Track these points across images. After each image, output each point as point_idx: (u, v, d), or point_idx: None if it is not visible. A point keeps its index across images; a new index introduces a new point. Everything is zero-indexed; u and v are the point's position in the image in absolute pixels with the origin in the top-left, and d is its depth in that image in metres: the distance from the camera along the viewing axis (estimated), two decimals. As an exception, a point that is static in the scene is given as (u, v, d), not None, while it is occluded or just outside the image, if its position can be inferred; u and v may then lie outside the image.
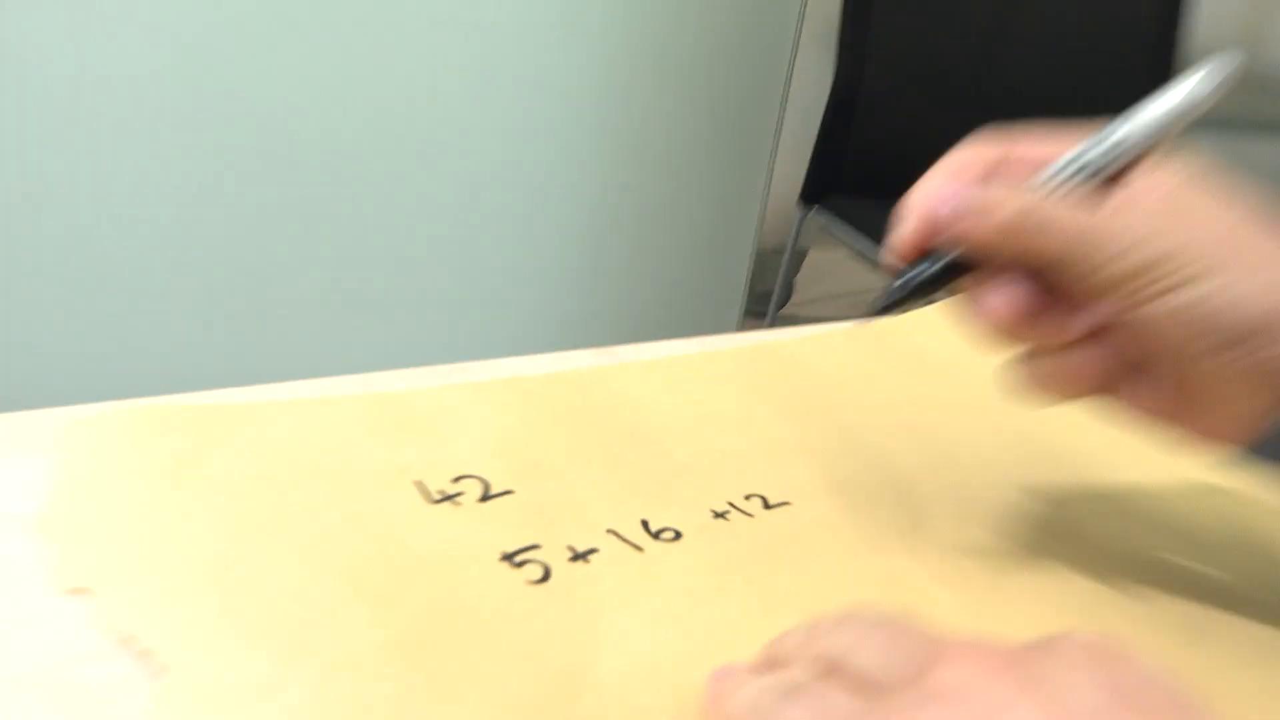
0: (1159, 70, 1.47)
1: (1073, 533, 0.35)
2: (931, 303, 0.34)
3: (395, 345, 1.00)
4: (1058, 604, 0.31)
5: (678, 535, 0.32)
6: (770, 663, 0.25)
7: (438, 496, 0.32)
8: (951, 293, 0.31)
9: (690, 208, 1.17)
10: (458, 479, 0.32)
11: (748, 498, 0.34)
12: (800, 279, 2.00)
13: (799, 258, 1.96)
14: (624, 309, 1.14)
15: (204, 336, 0.93)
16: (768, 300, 1.83)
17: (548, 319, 1.08)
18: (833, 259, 2.02)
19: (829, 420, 0.39)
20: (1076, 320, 0.29)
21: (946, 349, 0.47)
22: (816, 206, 1.52)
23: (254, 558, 0.28)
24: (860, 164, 1.48)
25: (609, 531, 0.31)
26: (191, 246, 0.89)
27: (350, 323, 0.98)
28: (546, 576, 0.29)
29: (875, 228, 1.40)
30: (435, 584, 0.28)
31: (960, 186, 0.30)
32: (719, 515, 0.33)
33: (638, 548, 0.31)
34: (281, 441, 0.33)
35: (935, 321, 0.49)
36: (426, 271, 1.01)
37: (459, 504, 0.31)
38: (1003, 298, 0.29)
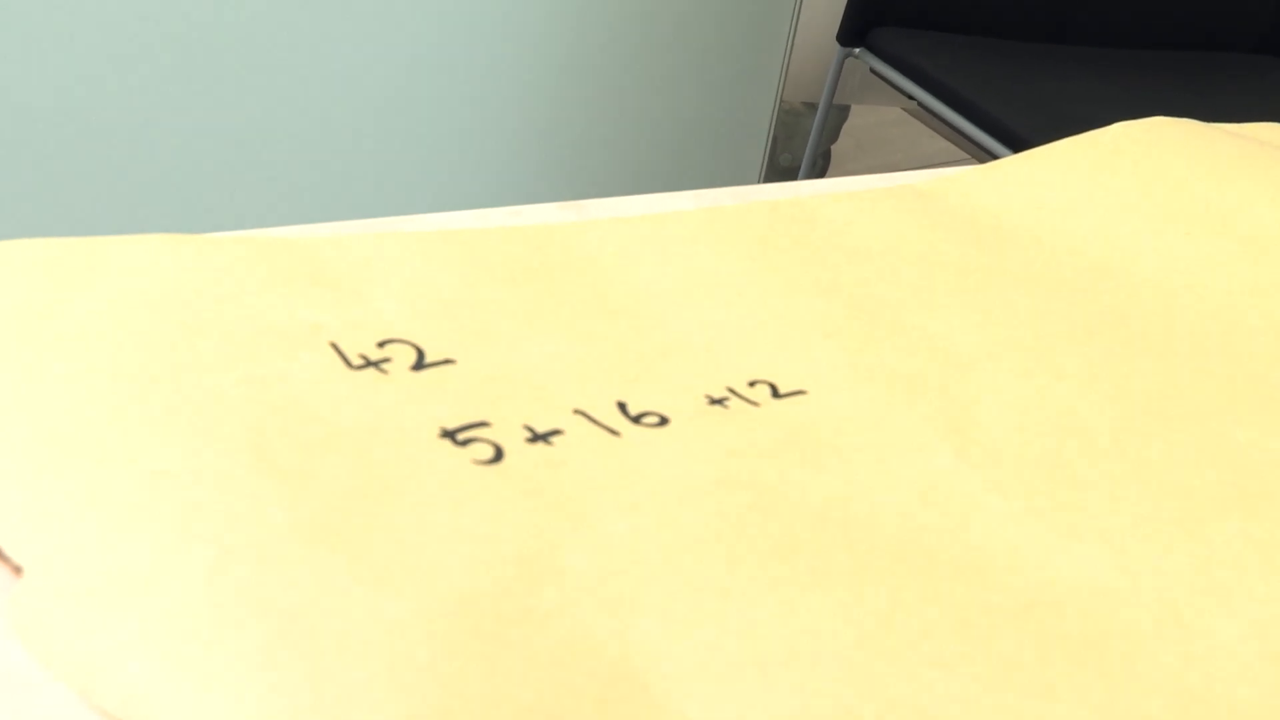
0: None
1: (1171, 434, 0.37)
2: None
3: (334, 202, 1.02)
4: (1143, 522, 0.33)
5: (663, 421, 0.34)
6: None
7: (359, 362, 0.33)
8: None
9: (694, 46, 1.18)
10: (384, 343, 0.34)
11: (752, 384, 0.36)
12: (839, 148, 2.02)
13: (838, 117, 1.97)
14: (610, 174, 1.16)
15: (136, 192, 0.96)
16: (794, 176, 1.85)
17: (515, 179, 1.09)
18: (881, 119, 2.03)
19: (859, 294, 0.41)
20: None
21: (1014, 212, 0.49)
22: (860, 48, 1.53)
23: (124, 426, 0.30)
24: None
25: (576, 412, 0.33)
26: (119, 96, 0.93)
27: (276, 175, 1.00)
28: (499, 457, 0.31)
29: (939, 73, 1.41)
30: (358, 459, 0.30)
31: None
32: (715, 402, 0.35)
33: (613, 431, 0.33)
34: (154, 287, 0.35)
35: (999, 179, 0.51)
36: (381, 118, 1.02)
37: (385, 372, 0.33)
38: None
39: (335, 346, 0.34)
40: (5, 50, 0.92)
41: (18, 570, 0.26)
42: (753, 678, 0.26)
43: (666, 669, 0.26)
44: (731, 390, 0.36)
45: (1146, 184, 0.51)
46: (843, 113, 2.01)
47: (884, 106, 2.01)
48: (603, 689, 0.25)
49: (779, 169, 1.89)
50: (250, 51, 0.98)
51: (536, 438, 0.32)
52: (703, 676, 0.26)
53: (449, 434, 0.32)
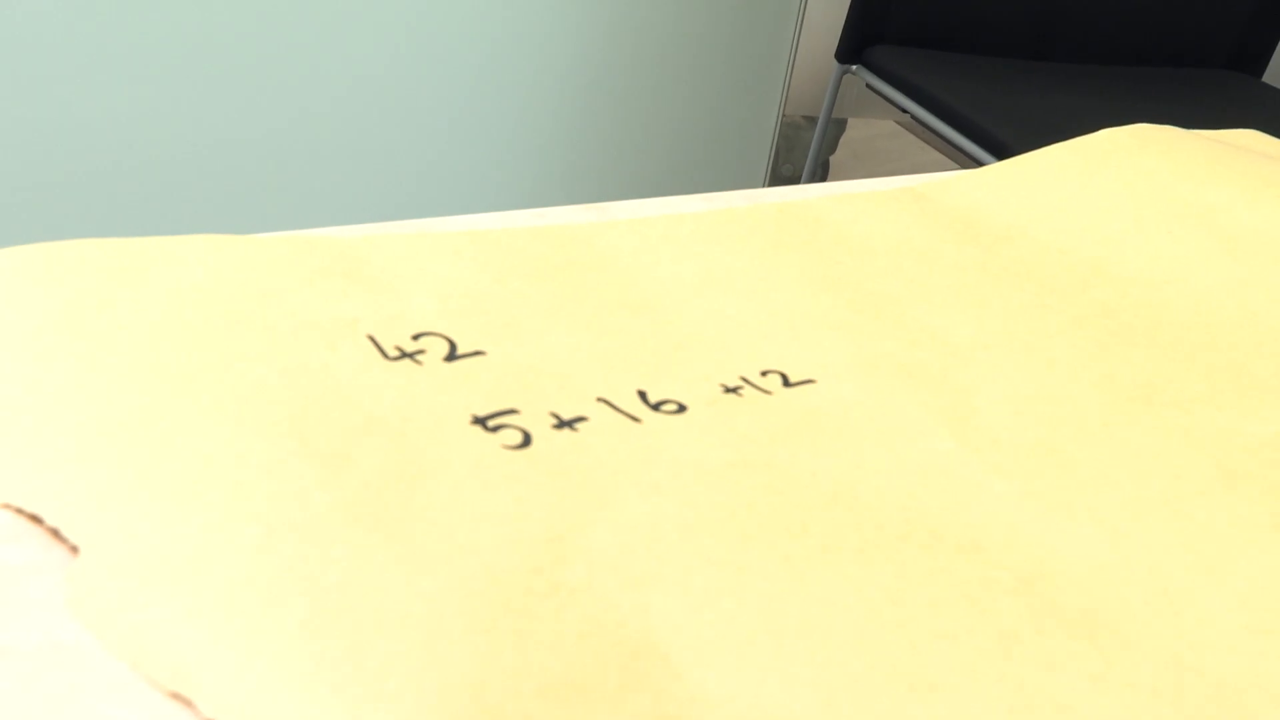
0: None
1: (1157, 419, 0.37)
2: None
3: (361, 205, 1.03)
4: (1133, 502, 0.33)
5: (681, 408, 0.34)
6: None
7: (395, 354, 0.34)
8: None
9: (703, 64, 1.19)
10: (418, 336, 0.35)
11: (764, 373, 0.36)
12: (837, 159, 2.02)
13: (836, 130, 1.97)
14: (624, 182, 1.16)
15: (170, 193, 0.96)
16: (795, 185, 1.85)
17: (537, 184, 1.10)
18: (877, 132, 2.03)
19: (864, 290, 0.42)
20: None
21: (1008, 212, 0.49)
22: (857, 65, 1.53)
23: (174, 414, 0.30)
24: (913, 5, 1.49)
25: (599, 400, 0.34)
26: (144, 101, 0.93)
27: (315, 180, 1.01)
28: (527, 442, 0.31)
29: (931, 88, 1.41)
30: (394, 444, 0.30)
31: None
32: (730, 390, 0.35)
33: (634, 418, 0.33)
34: (202, 283, 0.35)
35: (994, 181, 0.51)
36: (405, 125, 1.02)
37: (420, 363, 0.34)
38: None
39: (372, 339, 0.34)
40: (52, 60, 0.92)
41: (74, 549, 0.26)
42: (767, 649, 0.26)
43: (686, 641, 0.26)
44: (745, 379, 0.36)
45: (1132, 185, 0.51)
46: (840, 126, 2.01)
47: (879, 120, 2.01)
48: (626, 659, 0.25)
49: (781, 178, 1.89)
50: (289, 64, 0.98)
51: (562, 424, 0.32)
52: (720, 648, 0.26)
53: (480, 420, 0.32)
